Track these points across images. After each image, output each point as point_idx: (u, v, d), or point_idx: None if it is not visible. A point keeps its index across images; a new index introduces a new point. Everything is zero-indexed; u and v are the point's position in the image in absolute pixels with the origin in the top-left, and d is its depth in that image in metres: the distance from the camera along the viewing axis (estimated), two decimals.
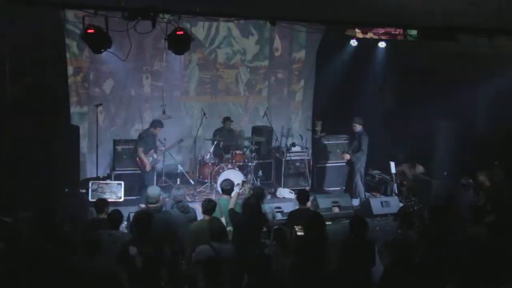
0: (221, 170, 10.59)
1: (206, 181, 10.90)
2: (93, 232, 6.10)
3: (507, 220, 6.96)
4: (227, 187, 7.84)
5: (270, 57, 12.32)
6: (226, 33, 11.79)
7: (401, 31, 10.14)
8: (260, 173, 11.33)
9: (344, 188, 11.14)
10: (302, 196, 7.54)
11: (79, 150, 10.20)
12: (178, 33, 7.01)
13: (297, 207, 7.84)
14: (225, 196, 7.81)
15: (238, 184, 10.28)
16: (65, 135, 9.61)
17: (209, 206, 6.85)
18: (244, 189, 7.87)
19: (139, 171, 10.00)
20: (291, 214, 7.52)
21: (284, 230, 6.44)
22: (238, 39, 11.90)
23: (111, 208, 6.87)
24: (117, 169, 10.42)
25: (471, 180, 8.87)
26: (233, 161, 10.92)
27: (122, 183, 9.67)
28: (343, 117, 11.31)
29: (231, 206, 7.21)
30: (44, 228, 5.98)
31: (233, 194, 7.64)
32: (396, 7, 8.70)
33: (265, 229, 7.03)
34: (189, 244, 6.54)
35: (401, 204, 9.49)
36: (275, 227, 6.90)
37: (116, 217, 6.42)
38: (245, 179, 10.14)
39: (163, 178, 10.74)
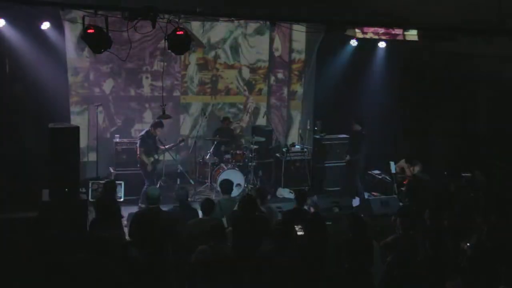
0: (221, 170, 10.59)
1: (206, 181, 10.90)
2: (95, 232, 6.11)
3: (507, 220, 6.96)
4: (226, 187, 7.84)
5: (270, 57, 12.32)
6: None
7: (401, 31, 10.16)
8: (260, 173, 11.32)
9: (343, 188, 11.14)
10: (300, 197, 7.52)
11: (79, 150, 10.19)
12: (178, 33, 7.01)
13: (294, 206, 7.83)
14: (225, 196, 7.81)
15: (239, 184, 10.36)
16: (65, 135, 9.59)
17: (207, 206, 6.84)
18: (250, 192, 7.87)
19: (139, 171, 9.99)
20: (286, 213, 7.48)
21: (285, 231, 6.43)
22: None
23: None
24: (117, 169, 10.42)
25: (471, 179, 8.88)
26: (233, 161, 10.91)
27: (122, 183, 9.66)
28: (343, 117, 11.31)
29: (236, 208, 7.21)
30: (44, 228, 5.99)
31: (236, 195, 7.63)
32: (396, 7, 8.71)
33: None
34: (187, 242, 6.54)
35: (401, 204, 9.47)
36: (275, 227, 6.90)
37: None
38: (253, 186, 10.18)
39: (163, 178, 10.74)
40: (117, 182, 9.64)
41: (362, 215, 7.55)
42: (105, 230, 6.24)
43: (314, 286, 5.49)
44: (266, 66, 12.32)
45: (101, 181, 10.04)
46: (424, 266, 5.76)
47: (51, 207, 7.85)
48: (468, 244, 6.45)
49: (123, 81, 11.32)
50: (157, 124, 9.88)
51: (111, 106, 11.35)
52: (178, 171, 11.07)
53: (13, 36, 9.63)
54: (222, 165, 10.81)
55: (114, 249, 5.60)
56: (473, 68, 10.40)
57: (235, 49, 11.98)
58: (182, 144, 10.95)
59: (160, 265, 5.54)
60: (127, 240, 6.06)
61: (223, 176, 10.10)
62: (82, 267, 5.29)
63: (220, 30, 11.75)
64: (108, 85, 11.27)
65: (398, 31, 10.30)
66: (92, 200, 9.51)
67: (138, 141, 9.93)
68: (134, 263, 5.51)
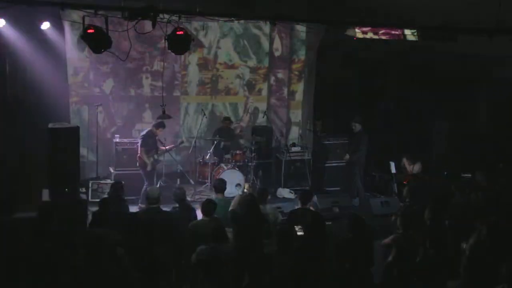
0: (221, 170, 10.59)
1: (206, 181, 10.90)
2: (96, 232, 6.11)
3: (507, 220, 6.96)
4: (219, 186, 7.85)
5: (270, 57, 12.32)
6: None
7: (401, 31, 10.16)
8: (260, 173, 11.33)
9: (343, 188, 11.14)
10: (304, 196, 7.52)
11: (79, 150, 10.20)
12: (178, 33, 7.02)
13: (297, 206, 7.84)
14: (218, 195, 7.80)
15: (239, 184, 10.35)
16: (65, 135, 9.60)
17: (208, 207, 6.83)
18: (248, 191, 7.86)
19: (139, 171, 9.99)
20: (291, 213, 7.53)
21: (287, 231, 6.43)
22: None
23: None
24: (117, 169, 10.42)
25: (471, 179, 8.88)
26: (233, 161, 10.91)
27: (122, 183, 9.65)
28: (343, 117, 11.31)
29: (232, 207, 7.20)
30: (44, 228, 5.98)
31: (235, 195, 7.63)
32: (396, 7, 8.72)
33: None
34: (188, 243, 6.54)
35: (401, 204, 9.47)
36: (278, 227, 6.90)
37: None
38: (250, 183, 10.18)
39: (163, 178, 10.74)
40: None
41: (362, 215, 7.55)
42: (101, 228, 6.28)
43: (314, 286, 5.49)
44: (266, 66, 12.32)
45: (101, 181, 10.07)
46: (424, 266, 5.76)
47: (51, 207, 7.85)
48: (468, 244, 6.46)
49: (123, 81, 11.33)
50: (159, 124, 9.88)
51: (111, 106, 11.35)
52: (178, 171, 11.07)
53: (13, 36, 9.63)
54: (222, 165, 10.81)
55: (104, 248, 5.63)
56: (473, 68, 10.41)
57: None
58: (182, 145, 10.96)
59: (153, 265, 5.51)
60: (117, 240, 6.06)
61: (223, 176, 10.10)
62: (79, 267, 5.30)
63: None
64: (108, 85, 11.27)
65: (398, 31, 10.31)
66: (92, 200, 9.54)
67: (140, 141, 9.93)
68: (121, 263, 5.50)
